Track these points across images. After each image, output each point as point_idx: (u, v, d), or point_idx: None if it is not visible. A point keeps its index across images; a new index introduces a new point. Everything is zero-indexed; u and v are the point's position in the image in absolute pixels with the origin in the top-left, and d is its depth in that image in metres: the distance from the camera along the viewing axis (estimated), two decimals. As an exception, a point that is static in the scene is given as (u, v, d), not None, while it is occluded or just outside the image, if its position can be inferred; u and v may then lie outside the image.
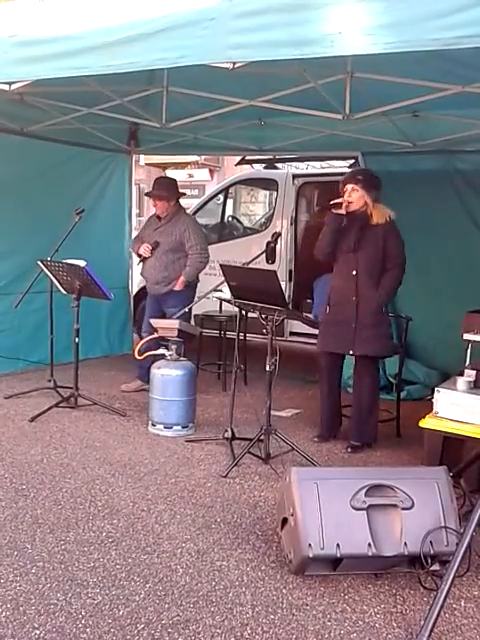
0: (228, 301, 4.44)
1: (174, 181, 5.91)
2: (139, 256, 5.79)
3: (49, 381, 5.46)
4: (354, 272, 4.40)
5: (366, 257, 4.39)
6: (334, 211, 4.41)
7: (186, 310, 5.16)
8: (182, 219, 5.73)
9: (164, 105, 5.09)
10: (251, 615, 2.60)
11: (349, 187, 4.39)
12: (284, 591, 2.78)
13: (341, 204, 4.38)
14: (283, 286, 4.42)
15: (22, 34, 3.40)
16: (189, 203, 8.25)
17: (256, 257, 4.77)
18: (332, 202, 4.41)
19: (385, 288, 4.43)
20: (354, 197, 4.37)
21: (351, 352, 4.45)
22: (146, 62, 3.12)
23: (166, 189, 5.68)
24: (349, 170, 4.88)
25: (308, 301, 7.24)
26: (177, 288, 5.62)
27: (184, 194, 6.00)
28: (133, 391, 5.80)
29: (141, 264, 5.86)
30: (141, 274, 5.96)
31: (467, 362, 4.11)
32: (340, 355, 4.60)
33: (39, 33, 3.35)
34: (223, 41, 2.85)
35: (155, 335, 4.99)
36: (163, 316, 5.64)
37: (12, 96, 4.73)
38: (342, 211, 4.39)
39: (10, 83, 3.95)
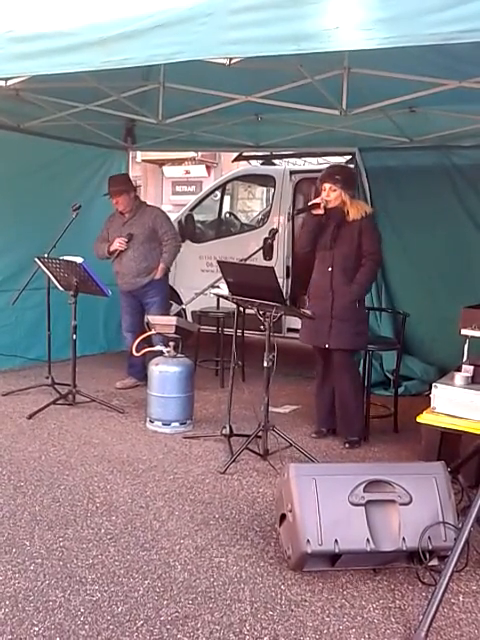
0: (226, 297, 4.44)
1: (126, 175, 6.06)
2: (110, 254, 5.69)
3: (47, 378, 5.46)
4: (330, 268, 4.48)
5: (341, 254, 4.45)
6: (313, 212, 4.45)
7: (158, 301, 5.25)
8: (148, 209, 5.85)
9: (160, 101, 5.08)
10: (250, 611, 2.60)
11: (327, 186, 4.43)
12: (283, 587, 2.79)
13: (319, 204, 4.42)
14: (281, 282, 4.42)
15: (18, 30, 3.38)
16: (186, 200, 8.25)
17: (253, 253, 4.77)
18: (310, 203, 4.46)
19: (358, 282, 4.46)
20: (332, 196, 4.42)
21: (327, 346, 4.49)
22: (142, 58, 3.11)
23: (123, 183, 5.76)
24: (325, 169, 4.87)
25: (305, 297, 7.22)
26: (157, 277, 5.68)
27: (139, 185, 6.04)
28: (128, 387, 5.81)
29: (114, 261, 5.74)
30: (115, 271, 5.79)
31: (465, 358, 4.11)
32: (331, 350, 4.62)
33: (35, 29, 3.34)
34: (219, 36, 2.84)
35: (153, 331, 4.99)
36: (142, 311, 5.68)
37: (8, 92, 4.70)
38: (320, 211, 4.44)
39: (6, 79, 3.94)
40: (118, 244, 5.64)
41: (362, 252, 4.45)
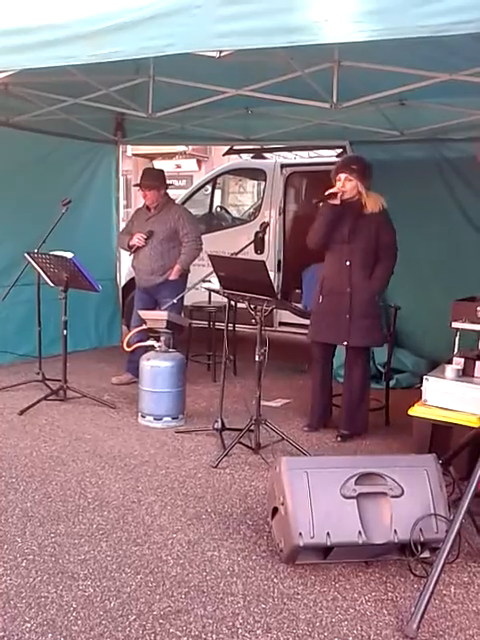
0: (217, 292, 4.43)
1: (162, 171, 5.95)
2: (130, 248, 5.72)
3: (37, 374, 5.43)
4: (348, 262, 4.39)
5: (359, 247, 4.38)
6: (330, 202, 4.36)
7: (175, 301, 5.17)
8: (174, 208, 5.79)
9: (150, 95, 5.05)
10: (242, 605, 2.61)
11: (343, 176, 4.36)
12: (275, 580, 2.79)
13: (336, 194, 4.34)
14: (272, 276, 4.41)
15: (6, 23, 3.35)
16: (177, 194, 8.21)
17: (245, 247, 4.76)
18: (327, 192, 4.36)
19: (378, 279, 4.42)
20: (348, 186, 4.35)
21: (346, 343, 4.44)
22: (132, 51, 3.09)
23: (156, 179, 5.70)
24: (339, 158, 4.84)
25: (297, 291, 7.23)
26: (172, 277, 5.61)
27: (172, 184, 6.00)
28: (125, 383, 5.76)
29: (132, 255, 5.79)
30: (133, 266, 5.85)
31: (455, 350, 4.13)
32: (332, 345, 4.60)
33: (24, 22, 3.30)
34: (209, 29, 2.82)
35: (143, 326, 4.97)
36: (155, 307, 5.59)
37: (-4, 86, 4.69)
38: (337, 201, 4.35)
39: (-6, 73, 3.91)
40: (137, 240, 5.61)
41: (380, 247, 4.38)
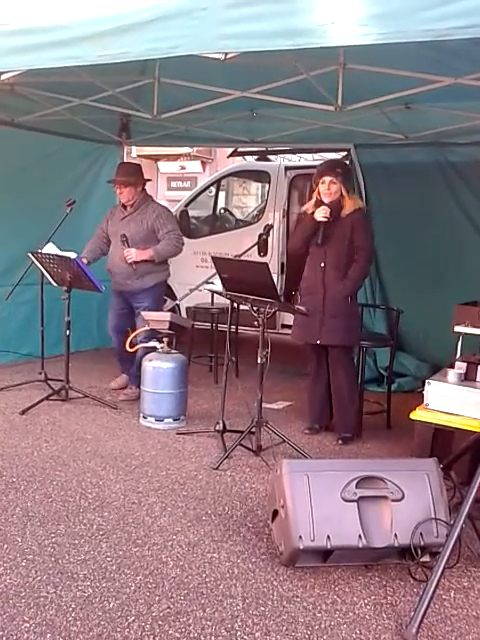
0: (220, 293, 4.43)
1: (139, 166, 5.57)
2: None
3: (40, 374, 5.44)
4: (322, 264, 4.47)
5: (333, 250, 4.44)
6: (322, 216, 4.38)
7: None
8: (152, 206, 5.37)
9: (156, 96, 5.07)
10: (242, 607, 2.60)
11: (327, 179, 4.40)
12: (275, 583, 2.79)
13: (326, 217, 4.38)
14: (275, 278, 4.41)
15: (13, 23, 3.36)
16: (181, 195, 8.23)
17: (248, 249, 4.76)
18: (321, 218, 4.38)
19: (351, 279, 4.44)
20: (333, 189, 4.41)
21: (318, 342, 4.51)
22: (138, 52, 3.10)
23: (132, 174, 5.30)
24: (321, 163, 4.87)
25: (298, 294, 7.23)
26: (138, 258, 5.14)
27: (150, 179, 5.71)
28: (133, 400, 5.31)
29: (108, 260, 5.44)
30: (108, 270, 5.43)
31: (458, 354, 4.12)
32: (324, 346, 4.62)
33: (30, 22, 3.31)
34: (215, 31, 2.83)
35: (146, 328, 4.97)
36: (132, 312, 5.40)
37: (2, 86, 4.69)
38: (328, 216, 4.38)
39: (0, 73, 3.92)
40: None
41: (354, 248, 4.42)
